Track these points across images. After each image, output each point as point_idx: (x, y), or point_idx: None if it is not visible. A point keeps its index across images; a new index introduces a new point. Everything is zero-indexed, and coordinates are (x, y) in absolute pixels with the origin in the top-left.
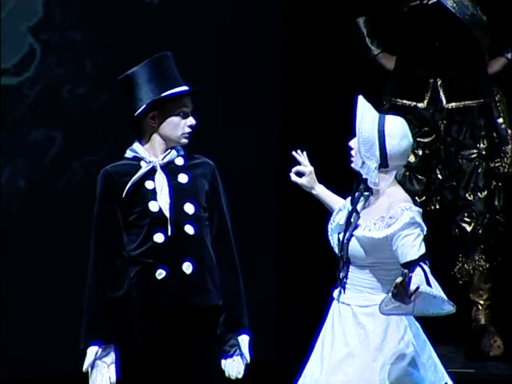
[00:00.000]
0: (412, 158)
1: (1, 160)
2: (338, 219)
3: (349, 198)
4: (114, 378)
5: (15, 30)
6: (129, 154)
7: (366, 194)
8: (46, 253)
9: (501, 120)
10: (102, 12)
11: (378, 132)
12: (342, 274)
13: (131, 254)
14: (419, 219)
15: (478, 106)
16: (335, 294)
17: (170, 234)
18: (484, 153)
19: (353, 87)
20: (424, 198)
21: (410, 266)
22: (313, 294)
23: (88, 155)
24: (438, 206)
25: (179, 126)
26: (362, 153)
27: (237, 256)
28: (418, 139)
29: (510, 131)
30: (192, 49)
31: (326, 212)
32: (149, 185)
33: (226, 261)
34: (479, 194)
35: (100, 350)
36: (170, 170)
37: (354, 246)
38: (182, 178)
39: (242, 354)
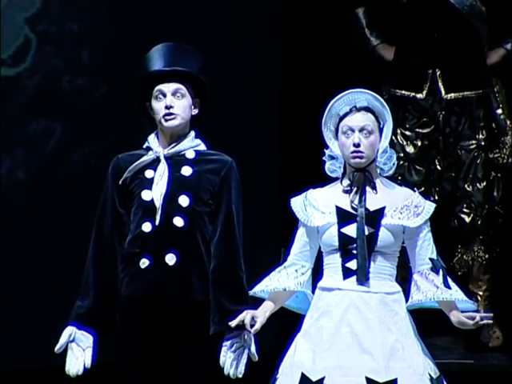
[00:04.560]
0: (411, 149)
1: (0, 151)
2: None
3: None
4: (88, 363)
5: (12, 21)
6: (145, 143)
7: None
8: (45, 244)
9: (500, 111)
10: (100, 3)
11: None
12: (364, 264)
13: (127, 241)
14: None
15: (477, 96)
16: (349, 285)
17: (157, 223)
18: (483, 143)
19: (352, 78)
20: (423, 188)
21: (434, 264)
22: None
23: (87, 146)
24: (436, 197)
25: (157, 109)
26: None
27: (241, 254)
28: (417, 130)
29: (508, 122)
30: (190, 41)
31: None
32: (148, 174)
33: (227, 259)
34: (478, 184)
35: (76, 332)
36: (175, 161)
37: (384, 236)
38: (186, 171)
39: (243, 353)
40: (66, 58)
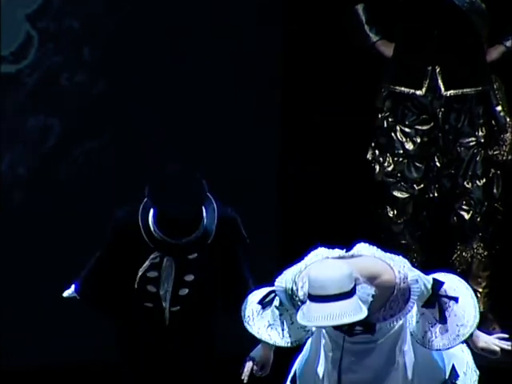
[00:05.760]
0: (410, 146)
1: (0, 147)
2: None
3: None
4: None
5: (13, 18)
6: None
7: None
8: (45, 241)
9: (499, 108)
10: None
11: None
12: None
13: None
14: (416, 273)
15: (477, 93)
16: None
17: (166, 324)
18: (482, 141)
19: (352, 76)
20: (422, 185)
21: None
22: None
23: (87, 143)
24: (436, 194)
25: None
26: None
27: None
28: (417, 127)
29: (508, 119)
30: (190, 40)
31: (326, 213)
32: (152, 274)
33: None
34: (477, 181)
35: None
36: (179, 252)
37: (378, 350)
38: (191, 256)
39: None
40: (66, 55)
